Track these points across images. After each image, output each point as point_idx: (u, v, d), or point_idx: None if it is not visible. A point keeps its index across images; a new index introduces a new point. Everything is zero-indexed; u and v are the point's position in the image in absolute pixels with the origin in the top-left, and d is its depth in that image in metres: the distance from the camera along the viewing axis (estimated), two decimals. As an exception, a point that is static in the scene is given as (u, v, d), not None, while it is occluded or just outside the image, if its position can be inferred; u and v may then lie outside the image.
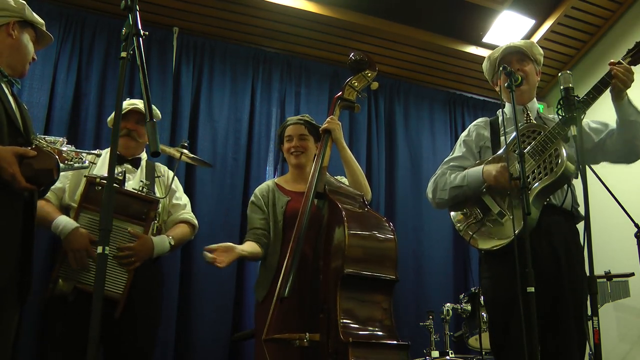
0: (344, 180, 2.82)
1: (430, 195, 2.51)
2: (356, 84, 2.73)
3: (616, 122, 2.32)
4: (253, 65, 4.31)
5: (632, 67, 2.26)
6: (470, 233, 2.34)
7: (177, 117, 3.96)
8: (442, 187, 2.44)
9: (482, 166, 2.36)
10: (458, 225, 2.40)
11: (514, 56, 2.44)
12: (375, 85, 2.76)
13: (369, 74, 2.74)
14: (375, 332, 2.24)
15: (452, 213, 2.48)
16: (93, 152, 2.15)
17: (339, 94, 2.73)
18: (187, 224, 2.77)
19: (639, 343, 4.09)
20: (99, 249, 1.39)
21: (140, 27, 1.54)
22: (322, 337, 2.20)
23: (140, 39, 1.52)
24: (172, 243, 2.62)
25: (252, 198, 2.82)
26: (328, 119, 2.69)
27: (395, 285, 2.38)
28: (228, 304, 3.77)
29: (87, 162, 2.14)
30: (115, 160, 1.50)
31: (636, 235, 3.34)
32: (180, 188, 2.90)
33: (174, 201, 2.79)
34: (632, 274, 3.73)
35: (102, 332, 2.39)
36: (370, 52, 2.94)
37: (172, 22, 4.08)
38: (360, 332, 2.19)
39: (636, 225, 3.35)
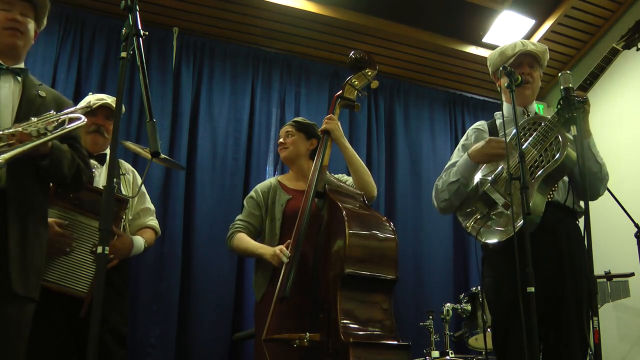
0: (345, 178, 2.82)
1: (435, 202, 2.49)
2: (356, 82, 2.73)
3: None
4: (253, 65, 4.31)
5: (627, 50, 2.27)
6: (477, 228, 2.32)
7: (177, 117, 3.96)
8: (441, 189, 2.44)
9: (466, 153, 2.37)
10: (464, 222, 2.39)
11: (527, 59, 2.42)
12: (375, 84, 2.76)
13: (369, 73, 2.73)
14: (375, 332, 2.24)
15: (458, 212, 2.47)
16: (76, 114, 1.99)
17: (339, 93, 2.73)
18: (153, 230, 2.77)
19: (639, 343, 4.09)
20: (99, 249, 1.39)
21: (140, 27, 1.53)
22: (322, 337, 2.20)
23: (140, 39, 1.52)
24: (146, 246, 2.62)
25: (252, 193, 2.83)
26: (326, 118, 2.69)
27: (396, 285, 2.38)
28: (228, 304, 3.77)
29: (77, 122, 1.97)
30: (116, 162, 1.49)
31: (636, 235, 3.36)
32: (146, 192, 2.88)
33: (146, 205, 2.78)
34: (632, 274, 3.73)
35: (69, 332, 2.35)
36: (370, 52, 2.94)
37: (172, 22, 4.08)
38: (361, 332, 2.19)
39: (636, 225, 3.36)
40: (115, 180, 2.52)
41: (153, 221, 2.79)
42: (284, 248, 2.44)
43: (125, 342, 2.56)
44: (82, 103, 2.72)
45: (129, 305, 2.75)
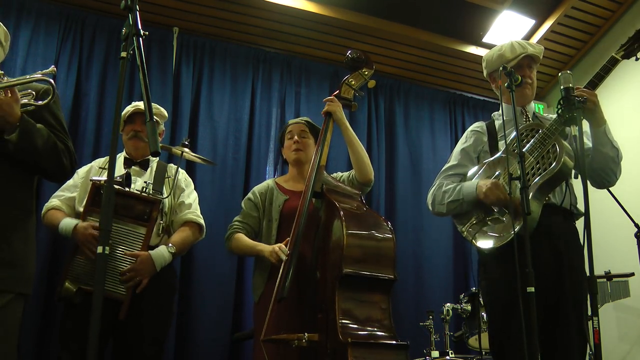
0: (340, 175, 2.82)
1: (430, 208, 2.50)
2: (353, 82, 2.73)
3: (592, 150, 2.33)
4: (253, 65, 4.31)
5: (626, 59, 2.28)
6: (473, 233, 2.32)
7: (177, 117, 3.96)
8: (439, 202, 2.43)
9: (477, 182, 2.35)
10: (460, 227, 2.39)
11: (526, 61, 2.43)
12: (372, 83, 2.75)
13: (366, 72, 2.73)
14: (374, 332, 2.24)
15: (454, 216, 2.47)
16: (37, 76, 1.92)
17: (335, 92, 2.73)
18: (190, 224, 2.75)
19: (639, 343, 4.09)
20: (99, 249, 1.39)
21: (140, 27, 1.53)
22: (321, 337, 2.20)
23: (140, 39, 1.52)
24: (173, 251, 2.60)
25: (250, 195, 2.83)
26: (327, 100, 2.69)
27: (395, 285, 2.38)
28: (228, 304, 3.77)
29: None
30: (115, 160, 1.49)
31: (636, 235, 3.35)
32: (191, 186, 2.88)
33: (181, 199, 2.77)
34: (632, 274, 3.73)
35: (109, 332, 2.43)
36: (370, 52, 2.94)
37: (172, 22, 4.08)
38: (359, 332, 2.19)
39: (636, 225, 3.36)
40: (150, 183, 2.57)
41: (191, 214, 2.75)
42: (283, 246, 2.44)
43: (161, 347, 2.61)
44: (124, 112, 2.76)
45: (171, 308, 2.75)
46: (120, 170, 2.67)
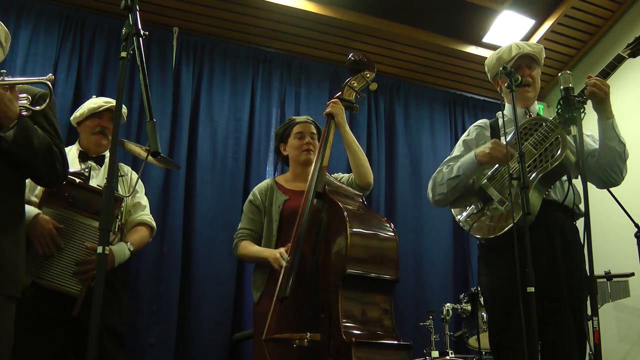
0: (341, 176, 2.82)
1: (430, 194, 2.49)
2: (355, 84, 2.73)
3: (598, 144, 2.33)
4: (253, 65, 4.31)
5: (632, 58, 2.28)
6: (471, 222, 2.32)
7: (177, 117, 3.97)
8: (439, 182, 2.43)
9: (473, 150, 2.37)
10: (458, 217, 2.39)
11: (525, 61, 2.43)
12: (374, 86, 2.76)
13: (368, 75, 2.73)
14: (376, 332, 2.24)
15: (452, 206, 2.47)
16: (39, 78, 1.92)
17: (338, 95, 2.74)
18: (145, 226, 2.74)
19: (639, 343, 4.10)
20: (99, 249, 1.38)
21: (140, 27, 1.53)
22: (323, 337, 2.20)
23: (140, 39, 1.52)
24: (132, 249, 2.57)
25: (251, 197, 2.83)
26: (331, 102, 2.69)
27: (396, 286, 2.38)
28: (228, 304, 3.77)
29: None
30: (115, 160, 1.49)
31: (636, 235, 3.35)
32: (143, 189, 2.87)
33: (137, 200, 2.76)
34: (632, 274, 3.73)
35: (60, 329, 2.34)
36: (370, 52, 2.95)
37: (172, 22, 4.08)
38: (362, 332, 2.19)
39: (636, 225, 3.35)
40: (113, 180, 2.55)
41: (146, 216, 2.75)
42: (284, 252, 2.43)
43: (123, 342, 2.54)
44: (87, 104, 2.74)
45: (127, 304, 2.73)
46: (74, 163, 2.61)
